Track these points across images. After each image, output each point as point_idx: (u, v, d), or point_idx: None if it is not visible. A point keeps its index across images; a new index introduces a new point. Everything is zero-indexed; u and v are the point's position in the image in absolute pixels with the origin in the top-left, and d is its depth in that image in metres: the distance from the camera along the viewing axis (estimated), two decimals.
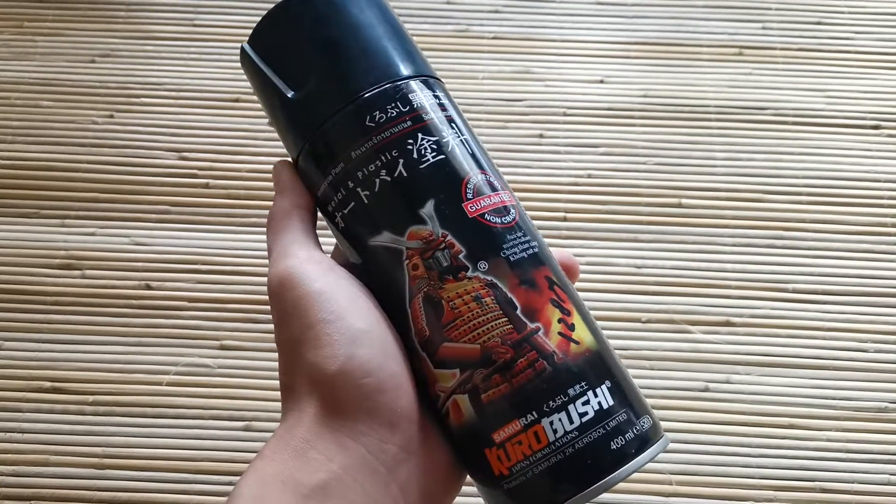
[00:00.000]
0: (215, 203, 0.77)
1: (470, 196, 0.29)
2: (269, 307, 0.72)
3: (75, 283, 0.73)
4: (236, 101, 0.82)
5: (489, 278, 0.28)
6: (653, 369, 0.71)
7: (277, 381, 0.31)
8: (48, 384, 0.69)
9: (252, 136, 0.80)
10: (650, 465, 0.67)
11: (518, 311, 0.27)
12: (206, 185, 0.78)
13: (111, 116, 0.81)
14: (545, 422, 0.27)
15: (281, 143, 0.81)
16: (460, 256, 0.28)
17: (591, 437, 0.27)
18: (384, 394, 0.26)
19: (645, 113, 0.81)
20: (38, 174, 0.78)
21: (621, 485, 0.66)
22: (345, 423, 0.26)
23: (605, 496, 0.66)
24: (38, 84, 0.83)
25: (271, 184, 0.85)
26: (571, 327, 0.29)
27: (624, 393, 0.29)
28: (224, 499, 0.61)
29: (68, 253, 0.75)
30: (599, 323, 0.71)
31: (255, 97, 0.82)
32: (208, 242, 0.75)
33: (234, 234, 0.76)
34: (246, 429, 0.67)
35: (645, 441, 0.29)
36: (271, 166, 0.80)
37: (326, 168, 0.31)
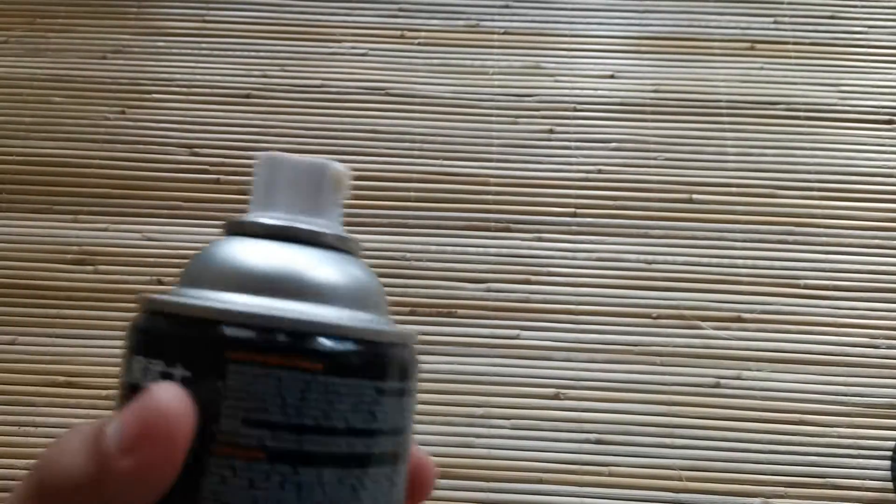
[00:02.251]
0: (226, 199, 0.77)
1: None
2: None
3: (88, 279, 0.74)
4: (247, 96, 0.82)
5: None
6: (663, 365, 0.70)
7: None
8: (62, 378, 0.70)
9: (263, 132, 0.80)
10: (660, 462, 0.67)
11: None
12: (218, 181, 0.78)
13: (123, 112, 0.81)
14: None
15: (286, 141, 0.82)
16: None
17: None
18: None
19: (656, 108, 0.81)
20: (51, 170, 0.79)
21: (630, 480, 0.66)
22: None
23: (615, 492, 0.66)
24: (50, 80, 0.83)
25: None
26: None
27: None
28: None
29: (81, 248, 0.75)
30: (609, 318, 0.72)
31: (266, 92, 0.82)
32: None
33: None
34: None
35: None
36: None
37: None
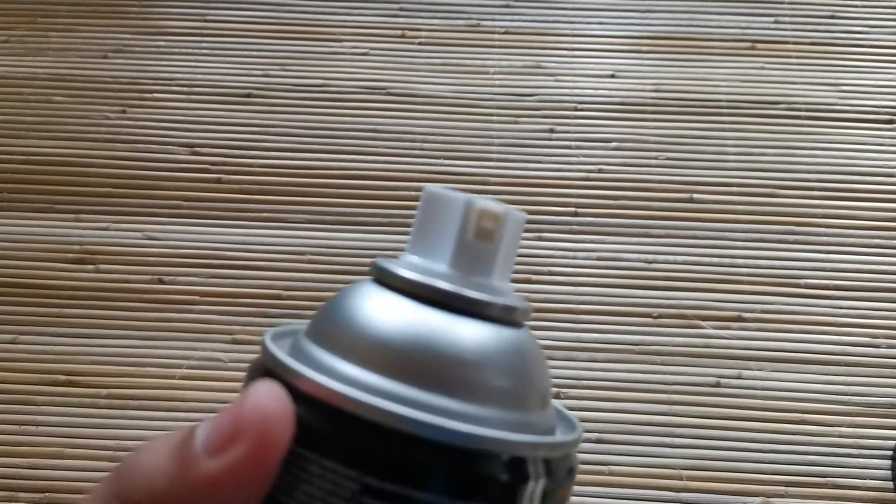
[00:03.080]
0: (227, 198, 0.77)
1: None
2: (280, 300, 0.73)
3: (89, 278, 0.74)
4: (248, 96, 0.82)
5: None
6: (664, 364, 0.70)
7: None
8: (62, 377, 0.70)
9: (264, 132, 0.80)
10: (662, 461, 0.67)
11: None
12: (219, 180, 0.78)
13: (123, 111, 0.81)
14: None
15: (287, 140, 0.82)
16: None
17: None
18: None
19: (656, 107, 0.81)
20: (52, 169, 0.79)
21: (631, 479, 0.66)
22: None
23: (615, 491, 0.66)
24: (51, 79, 0.83)
25: (283, 178, 0.86)
26: None
27: None
28: None
29: (82, 247, 0.75)
30: (610, 318, 0.72)
31: (267, 92, 0.82)
32: (220, 237, 0.76)
33: (246, 228, 0.76)
34: None
35: None
36: (283, 161, 0.81)
37: None
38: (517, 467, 0.17)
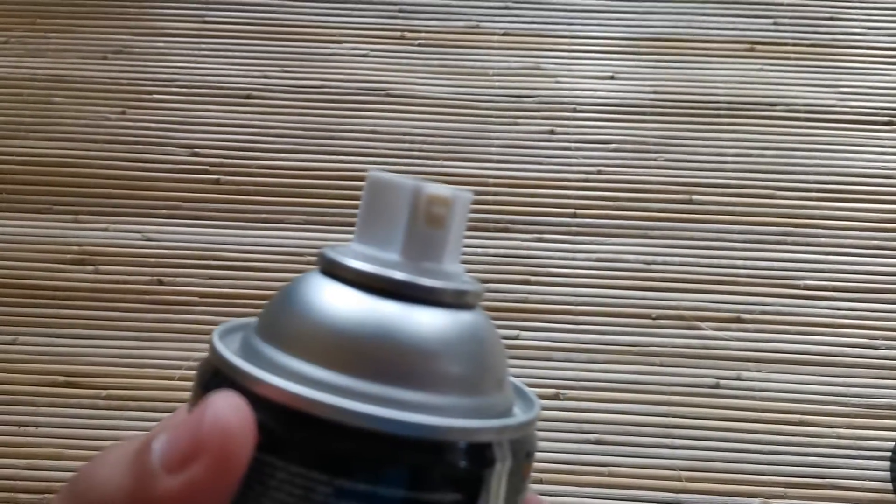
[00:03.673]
0: (226, 199, 0.77)
1: None
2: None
3: (88, 279, 0.74)
4: (248, 97, 0.82)
5: None
6: (663, 366, 0.71)
7: None
8: (62, 378, 0.70)
9: (263, 133, 0.80)
10: (661, 462, 0.67)
11: None
12: (218, 181, 0.78)
13: (123, 113, 0.81)
14: None
15: (286, 141, 0.82)
16: None
17: None
18: None
19: (655, 109, 0.81)
20: (51, 170, 0.79)
21: (631, 481, 0.66)
22: None
23: (614, 492, 0.66)
24: (50, 80, 0.83)
25: (282, 179, 0.86)
26: None
27: None
28: None
29: (81, 248, 0.75)
30: (609, 319, 0.72)
31: (266, 93, 0.82)
32: (220, 238, 0.76)
33: (245, 229, 0.76)
34: None
35: None
36: (282, 162, 0.81)
37: None
38: (484, 453, 0.17)
